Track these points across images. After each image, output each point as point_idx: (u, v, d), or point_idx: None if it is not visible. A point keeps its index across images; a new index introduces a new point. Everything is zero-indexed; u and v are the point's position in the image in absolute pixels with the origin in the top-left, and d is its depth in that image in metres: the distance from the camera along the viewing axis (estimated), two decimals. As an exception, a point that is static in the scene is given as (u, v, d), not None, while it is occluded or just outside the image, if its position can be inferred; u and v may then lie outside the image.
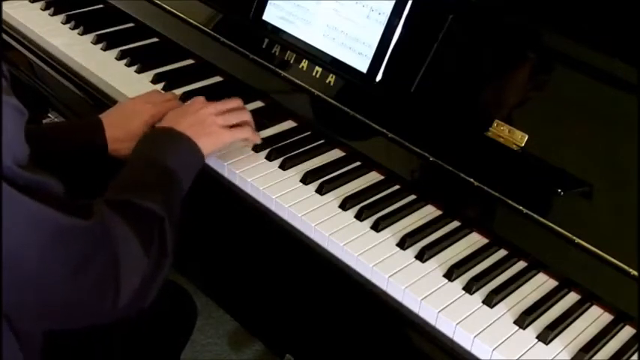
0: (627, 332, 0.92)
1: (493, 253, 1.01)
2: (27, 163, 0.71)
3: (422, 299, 0.92)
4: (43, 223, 0.71)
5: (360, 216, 1.04)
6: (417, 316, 0.93)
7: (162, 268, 0.85)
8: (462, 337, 0.89)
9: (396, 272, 0.96)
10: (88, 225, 0.76)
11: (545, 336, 0.88)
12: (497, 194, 1.01)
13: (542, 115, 1.02)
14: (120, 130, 1.11)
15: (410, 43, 1.14)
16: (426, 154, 1.09)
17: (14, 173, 0.69)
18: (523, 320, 0.90)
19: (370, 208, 1.05)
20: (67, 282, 0.74)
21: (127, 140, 1.09)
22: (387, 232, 1.02)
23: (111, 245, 0.78)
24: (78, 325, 0.85)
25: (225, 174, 1.13)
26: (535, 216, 0.98)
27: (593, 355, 0.87)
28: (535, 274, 0.99)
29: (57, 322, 0.81)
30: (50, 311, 0.77)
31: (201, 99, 1.10)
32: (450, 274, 0.96)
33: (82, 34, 1.46)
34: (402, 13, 1.14)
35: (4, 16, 1.49)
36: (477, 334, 0.88)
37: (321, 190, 1.08)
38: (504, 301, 0.93)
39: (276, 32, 1.29)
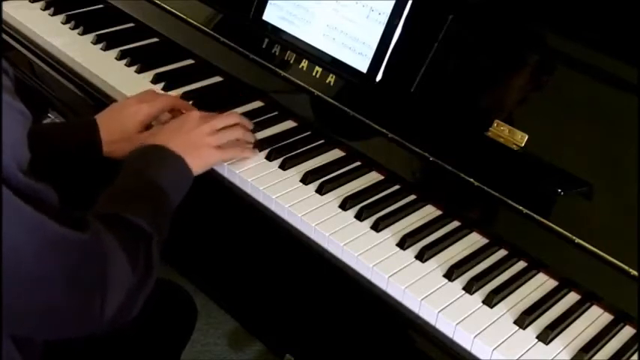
0: (627, 332, 0.92)
1: (493, 253, 1.01)
2: (26, 169, 0.71)
3: (422, 299, 0.92)
4: (39, 230, 0.71)
5: (360, 216, 1.04)
6: (417, 316, 0.93)
7: (147, 283, 0.85)
8: (462, 337, 0.89)
9: (396, 272, 0.96)
10: (83, 238, 0.75)
11: (545, 336, 0.88)
12: (497, 194, 1.01)
13: (542, 115, 1.02)
14: (115, 131, 1.11)
15: (410, 43, 1.14)
16: (426, 154, 1.09)
17: (16, 178, 0.68)
18: (523, 320, 0.90)
19: (370, 208, 1.05)
20: (55, 291, 0.74)
21: (122, 141, 1.09)
22: (387, 232, 1.02)
23: (102, 261, 0.78)
24: (60, 336, 0.84)
25: (225, 174, 1.13)
26: (535, 216, 0.98)
27: (593, 355, 0.87)
28: (535, 274, 0.99)
29: (38, 330, 0.80)
30: (33, 317, 0.76)
31: (195, 116, 1.09)
32: (450, 274, 0.96)
33: (82, 34, 1.46)
34: (402, 13, 1.14)
35: (4, 16, 1.49)
36: (477, 334, 0.88)
37: (321, 190, 1.08)
38: (504, 301, 0.93)
39: (276, 32, 1.29)
